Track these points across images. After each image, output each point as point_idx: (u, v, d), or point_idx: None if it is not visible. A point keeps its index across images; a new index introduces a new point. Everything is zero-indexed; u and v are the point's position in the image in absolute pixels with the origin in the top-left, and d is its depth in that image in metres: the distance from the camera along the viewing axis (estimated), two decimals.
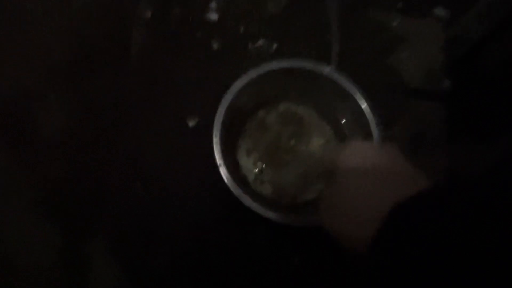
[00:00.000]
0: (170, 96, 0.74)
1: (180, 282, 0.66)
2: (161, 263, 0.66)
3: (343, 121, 0.72)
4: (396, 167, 0.45)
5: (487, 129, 0.76)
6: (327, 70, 0.68)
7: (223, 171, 0.60)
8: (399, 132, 0.74)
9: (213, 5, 0.79)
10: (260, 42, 0.77)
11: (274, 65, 0.67)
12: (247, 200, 0.59)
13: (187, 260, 0.67)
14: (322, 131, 0.73)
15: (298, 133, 0.73)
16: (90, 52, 0.76)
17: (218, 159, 0.61)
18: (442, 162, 0.73)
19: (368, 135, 0.66)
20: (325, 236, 0.47)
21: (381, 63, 0.79)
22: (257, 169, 0.70)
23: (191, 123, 0.72)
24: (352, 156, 0.48)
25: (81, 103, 0.74)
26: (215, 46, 0.77)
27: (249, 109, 0.72)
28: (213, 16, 0.79)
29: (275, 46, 0.77)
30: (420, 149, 0.74)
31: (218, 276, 0.66)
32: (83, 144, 0.72)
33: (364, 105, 0.66)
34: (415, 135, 0.75)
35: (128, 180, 0.70)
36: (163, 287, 0.66)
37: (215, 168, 0.61)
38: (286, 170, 0.71)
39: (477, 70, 0.78)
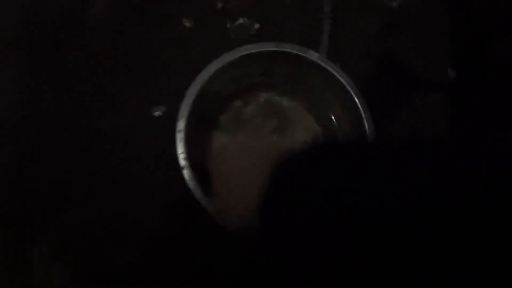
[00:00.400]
0: (133, 80, 0.64)
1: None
2: (114, 268, 0.60)
3: (332, 116, 0.62)
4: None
5: (494, 124, 0.67)
6: (316, 56, 0.58)
7: (187, 174, 0.51)
8: (397, 127, 0.65)
9: None
10: (240, 20, 0.67)
11: (254, 47, 0.58)
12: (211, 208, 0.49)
13: (144, 264, 0.60)
14: (309, 126, 0.64)
15: (281, 127, 0.63)
16: (42, 29, 0.65)
17: (182, 160, 0.51)
18: (443, 157, 0.65)
19: (361, 131, 0.57)
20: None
21: (378, 49, 0.69)
22: None
23: (157, 112, 0.63)
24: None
25: (32, 86, 0.64)
26: (187, 23, 0.66)
27: (225, 98, 0.62)
28: None
29: (256, 26, 0.67)
30: (420, 145, 0.65)
31: (176, 280, 0.58)
32: (31, 131, 0.62)
33: (357, 97, 0.57)
34: (415, 129, 0.66)
35: (80, 176, 0.61)
36: None
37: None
38: None
39: (486, 59, 0.69)
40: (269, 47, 0.59)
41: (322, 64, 0.58)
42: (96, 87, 0.64)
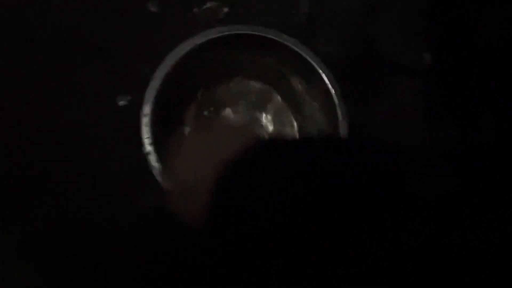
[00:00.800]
0: (97, 69, 0.60)
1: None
2: (82, 265, 0.56)
3: (306, 103, 0.60)
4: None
5: (469, 108, 0.66)
6: (290, 41, 0.56)
7: (152, 160, 0.48)
8: (375, 111, 0.63)
9: None
10: (208, 4, 0.64)
11: (223, 30, 0.55)
12: None
13: (111, 262, 0.55)
14: (283, 114, 0.61)
15: (253, 115, 0.61)
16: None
17: (147, 145, 0.48)
18: (421, 142, 0.64)
19: (334, 119, 0.55)
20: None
21: (355, 33, 0.67)
22: None
23: (122, 102, 0.59)
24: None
25: None
26: (152, 8, 0.63)
27: (193, 85, 0.59)
28: None
29: (225, 10, 0.64)
30: (397, 128, 0.64)
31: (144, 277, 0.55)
32: None
33: (331, 84, 0.55)
34: (392, 114, 0.64)
35: (44, 171, 0.58)
36: None
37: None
38: None
39: (463, 43, 0.68)
40: (240, 30, 0.56)
41: (296, 49, 0.56)
42: (58, 77, 0.60)
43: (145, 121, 0.49)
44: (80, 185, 0.58)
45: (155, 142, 0.49)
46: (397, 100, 0.65)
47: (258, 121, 0.62)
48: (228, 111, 0.62)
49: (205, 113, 0.60)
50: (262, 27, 0.56)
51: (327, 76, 0.55)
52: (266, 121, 0.62)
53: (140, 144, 0.50)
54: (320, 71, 0.55)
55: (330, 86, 0.55)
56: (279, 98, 0.63)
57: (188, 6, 0.63)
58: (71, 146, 0.58)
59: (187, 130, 0.59)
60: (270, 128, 0.62)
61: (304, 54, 0.56)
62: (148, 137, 0.49)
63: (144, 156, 0.50)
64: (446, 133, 0.65)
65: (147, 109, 0.50)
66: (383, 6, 0.68)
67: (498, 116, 0.65)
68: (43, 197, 0.57)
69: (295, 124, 0.63)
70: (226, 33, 0.54)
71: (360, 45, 0.67)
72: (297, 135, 0.63)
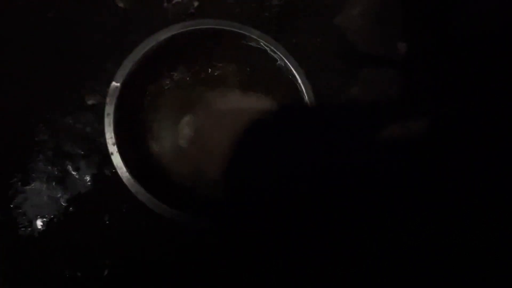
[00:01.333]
0: (66, 66, 0.60)
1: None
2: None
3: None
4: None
5: (444, 96, 0.65)
6: (257, 34, 0.55)
7: (115, 159, 0.48)
8: (349, 101, 0.62)
9: None
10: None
11: (191, 25, 0.54)
12: (142, 195, 0.46)
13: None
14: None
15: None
16: None
17: (110, 145, 0.48)
18: (397, 130, 0.63)
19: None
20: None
21: (327, 23, 0.66)
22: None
23: (90, 101, 0.59)
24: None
25: None
26: (120, 4, 0.62)
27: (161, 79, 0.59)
28: None
29: (196, 3, 0.63)
30: (373, 118, 0.63)
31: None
32: None
33: (301, 80, 0.55)
34: (367, 103, 0.63)
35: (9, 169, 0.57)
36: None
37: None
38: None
39: (437, 32, 0.67)
40: (208, 24, 0.55)
41: (265, 43, 0.55)
42: (26, 77, 0.59)
43: (108, 121, 0.49)
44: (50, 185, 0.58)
45: (119, 142, 0.49)
46: (371, 90, 0.64)
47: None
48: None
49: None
50: (231, 21, 0.56)
51: (296, 70, 0.55)
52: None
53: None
54: (290, 65, 0.55)
55: (300, 81, 0.55)
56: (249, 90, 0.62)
57: (157, 1, 0.63)
58: (43, 144, 0.58)
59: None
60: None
61: (272, 47, 0.55)
62: (111, 137, 0.49)
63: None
64: (419, 120, 0.65)
65: (109, 109, 0.49)
66: None
67: (472, 103, 0.64)
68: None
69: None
70: (191, 28, 0.53)
71: (333, 36, 0.66)
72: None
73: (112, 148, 0.48)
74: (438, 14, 0.66)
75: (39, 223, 0.55)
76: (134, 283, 0.56)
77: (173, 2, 0.63)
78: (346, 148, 0.61)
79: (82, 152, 0.57)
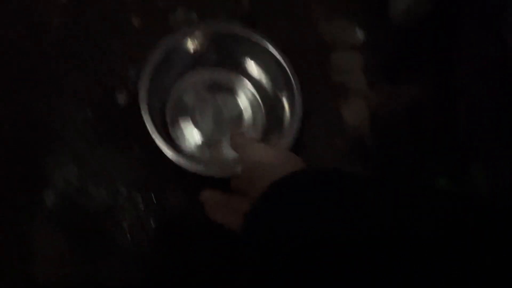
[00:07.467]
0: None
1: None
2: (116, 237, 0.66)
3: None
4: (280, 157, 0.55)
5: (400, 74, 0.81)
6: (237, 29, 0.70)
7: (164, 149, 0.61)
8: (318, 84, 0.78)
9: None
10: (178, 11, 0.77)
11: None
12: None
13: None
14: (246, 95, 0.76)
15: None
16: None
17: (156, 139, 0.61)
18: (363, 110, 0.78)
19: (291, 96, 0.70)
20: None
21: (294, 15, 0.81)
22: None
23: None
24: (251, 154, 0.57)
25: None
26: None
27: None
28: None
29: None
30: (340, 99, 0.79)
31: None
32: None
33: (289, 69, 0.69)
34: (335, 86, 0.79)
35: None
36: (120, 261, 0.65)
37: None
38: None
39: (389, 20, 0.83)
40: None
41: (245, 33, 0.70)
42: (62, 84, 0.71)
43: (146, 117, 0.61)
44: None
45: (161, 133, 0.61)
46: (338, 73, 0.80)
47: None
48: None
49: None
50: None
51: (286, 64, 0.69)
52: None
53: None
54: (279, 58, 0.69)
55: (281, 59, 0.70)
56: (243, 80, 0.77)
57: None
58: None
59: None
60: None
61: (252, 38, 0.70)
62: (154, 131, 0.60)
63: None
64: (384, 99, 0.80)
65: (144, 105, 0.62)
66: None
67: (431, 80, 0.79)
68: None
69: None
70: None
71: (303, 23, 0.80)
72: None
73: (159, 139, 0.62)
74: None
75: None
76: None
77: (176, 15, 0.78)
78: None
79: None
